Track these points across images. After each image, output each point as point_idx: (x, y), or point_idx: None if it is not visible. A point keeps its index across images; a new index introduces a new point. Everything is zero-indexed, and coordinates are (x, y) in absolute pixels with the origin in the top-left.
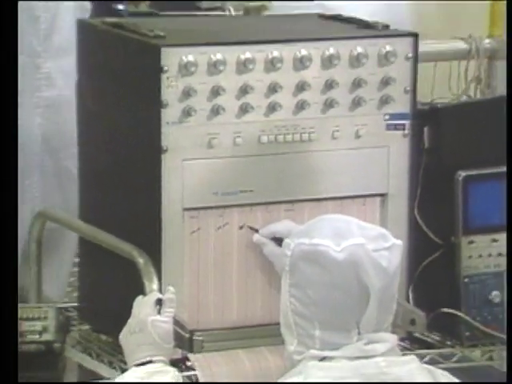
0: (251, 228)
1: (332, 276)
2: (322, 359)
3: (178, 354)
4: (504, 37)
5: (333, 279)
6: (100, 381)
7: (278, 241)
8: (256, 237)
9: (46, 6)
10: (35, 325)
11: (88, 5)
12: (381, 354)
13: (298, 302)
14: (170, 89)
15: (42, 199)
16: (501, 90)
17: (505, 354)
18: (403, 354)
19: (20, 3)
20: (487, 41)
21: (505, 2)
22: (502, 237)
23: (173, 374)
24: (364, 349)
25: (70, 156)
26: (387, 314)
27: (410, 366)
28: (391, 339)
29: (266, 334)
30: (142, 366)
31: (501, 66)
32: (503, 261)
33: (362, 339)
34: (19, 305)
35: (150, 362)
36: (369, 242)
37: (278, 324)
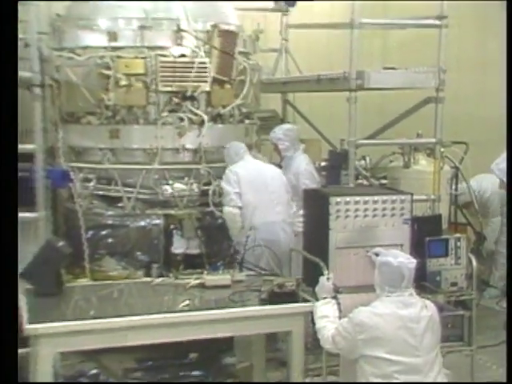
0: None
1: (393, 271)
2: (387, 296)
3: (333, 294)
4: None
5: (393, 272)
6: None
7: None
8: (374, 257)
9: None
10: (289, 282)
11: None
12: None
13: (382, 277)
14: (333, 213)
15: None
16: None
17: None
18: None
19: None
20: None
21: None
22: None
23: (333, 302)
24: (402, 294)
25: None
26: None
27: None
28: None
29: (363, 289)
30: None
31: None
32: None
33: (398, 292)
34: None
35: (325, 298)
36: (407, 259)
37: (368, 285)
